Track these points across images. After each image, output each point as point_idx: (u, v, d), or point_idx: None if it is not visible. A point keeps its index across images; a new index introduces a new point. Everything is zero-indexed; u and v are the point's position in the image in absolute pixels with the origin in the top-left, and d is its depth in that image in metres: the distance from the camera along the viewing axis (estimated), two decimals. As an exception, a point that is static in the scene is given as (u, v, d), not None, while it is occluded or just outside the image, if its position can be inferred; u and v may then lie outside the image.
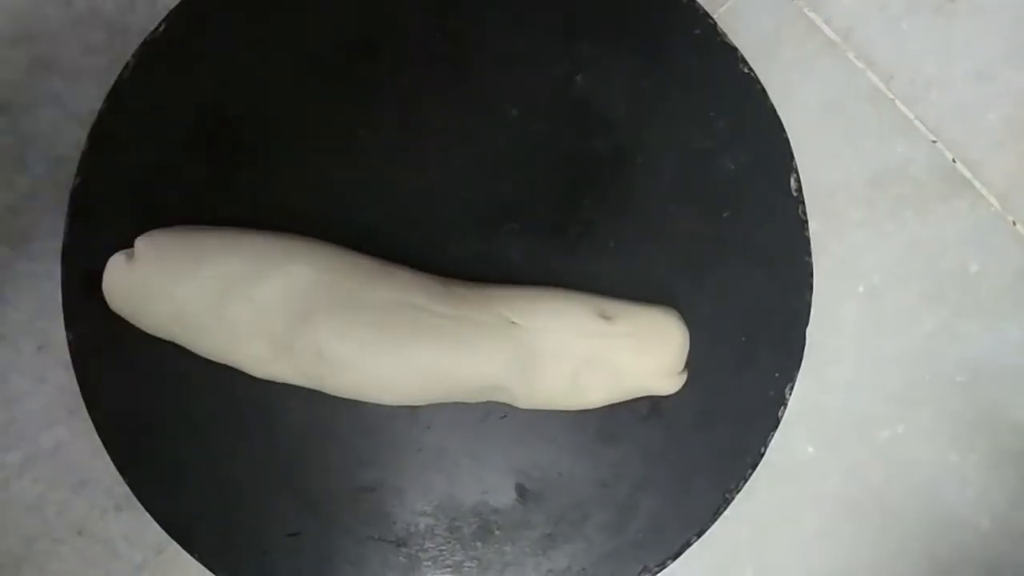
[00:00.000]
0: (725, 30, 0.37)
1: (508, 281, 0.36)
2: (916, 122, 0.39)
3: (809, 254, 0.36)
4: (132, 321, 0.34)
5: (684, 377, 0.34)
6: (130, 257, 0.33)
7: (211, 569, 0.35)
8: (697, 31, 0.37)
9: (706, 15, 0.37)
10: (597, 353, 0.33)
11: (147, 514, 0.35)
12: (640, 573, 0.35)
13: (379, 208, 0.36)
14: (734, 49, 0.37)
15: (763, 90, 0.36)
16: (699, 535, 0.36)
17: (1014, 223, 0.39)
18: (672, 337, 0.34)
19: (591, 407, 0.34)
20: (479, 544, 0.35)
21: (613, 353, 0.33)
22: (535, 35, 0.37)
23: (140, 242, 0.33)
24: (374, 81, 0.37)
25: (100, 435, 0.35)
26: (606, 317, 0.33)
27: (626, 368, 0.33)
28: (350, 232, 0.36)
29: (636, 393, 0.34)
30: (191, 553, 0.35)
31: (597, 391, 0.34)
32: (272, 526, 0.35)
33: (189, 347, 0.34)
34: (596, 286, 0.36)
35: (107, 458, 0.35)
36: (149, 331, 0.34)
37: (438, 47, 0.37)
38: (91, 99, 0.38)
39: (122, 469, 0.35)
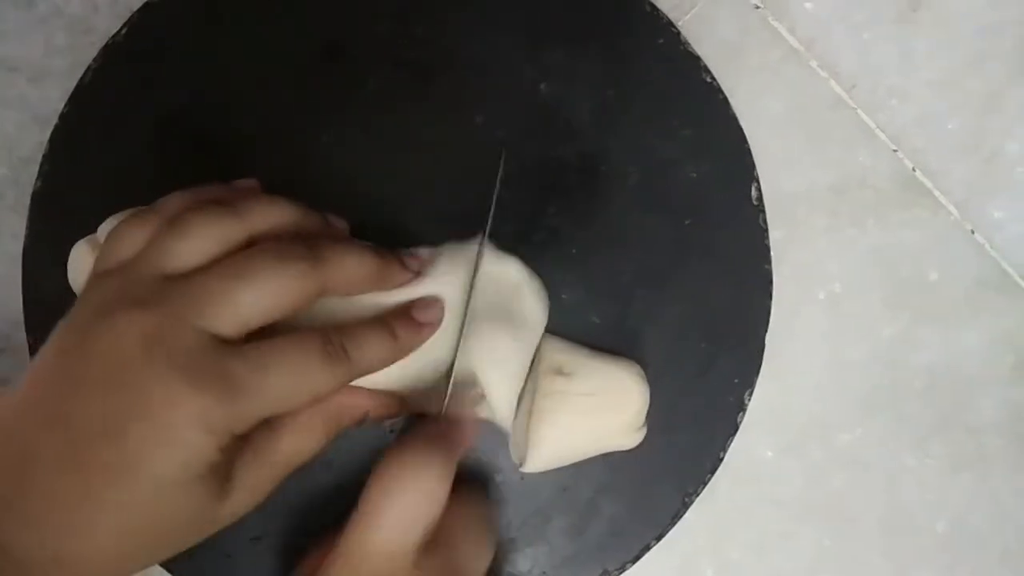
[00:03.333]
0: (689, 39, 0.37)
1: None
2: (877, 131, 0.40)
3: (769, 262, 0.37)
4: None
5: (643, 432, 0.34)
6: (94, 245, 0.32)
7: (173, 573, 0.35)
8: (661, 40, 0.37)
9: (670, 24, 0.37)
10: (554, 413, 0.33)
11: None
12: (600, 576, 0.36)
13: (342, 213, 0.36)
14: (697, 58, 0.37)
15: (726, 100, 0.37)
16: (659, 538, 0.36)
17: (972, 231, 0.40)
18: (632, 396, 0.34)
19: (542, 470, 0.34)
20: (441, 548, 0.36)
21: (570, 414, 0.33)
22: (500, 42, 0.37)
23: (103, 228, 0.32)
24: (339, 86, 0.37)
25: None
26: (564, 374, 0.33)
27: (583, 429, 0.33)
28: (314, 237, 0.36)
29: (592, 453, 0.34)
30: (153, 557, 0.35)
31: (552, 450, 0.34)
32: (235, 530, 0.35)
33: None
34: (559, 294, 0.36)
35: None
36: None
37: (403, 53, 0.37)
38: (54, 100, 0.37)
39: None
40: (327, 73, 0.37)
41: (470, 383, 0.33)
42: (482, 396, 0.33)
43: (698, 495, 0.36)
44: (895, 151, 0.40)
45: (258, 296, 0.26)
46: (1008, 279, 0.39)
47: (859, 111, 0.40)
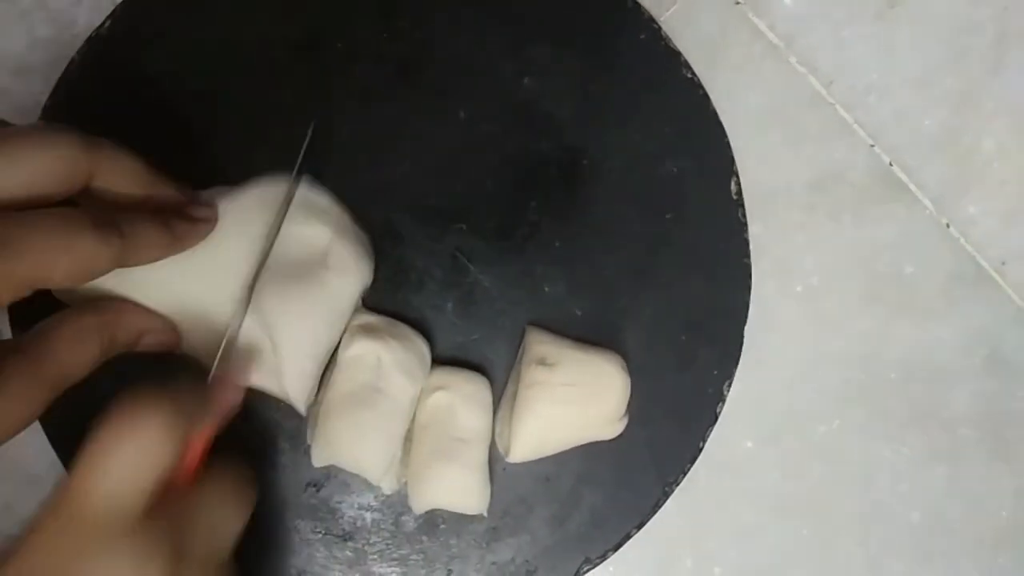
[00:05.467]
0: (670, 34, 0.38)
1: (454, 282, 0.37)
2: (855, 127, 0.40)
3: (748, 256, 0.37)
4: None
5: (624, 422, 0.35)
6: None
7: (158, 563, 0.35)
8: (642, 36, 0.37)
9: (651, 20, 0.37)
10: (537, 403, 0.33)
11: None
12: (582, 565, 0.36)
13: (326, 207, 0.37)
14: (678, 54, 0.37)
15: (706, 95, 0.37)
16: (639, 527, 0.37)
17: (948, 226, 0.40)
18: (614, 386, 0.34)
19: (526, 460, 0.35)
20: (425, 538, 0.36)
21: (552, 405, 0.33)
22: (483, 37, 0.37)
23: None
24: (322, 80, 0.37)
25: (47, 432, 0.35)
26: (546, 365, 0.34)
27: (565, 419, 0.34)
28: (297, 230, 0.36)
29: (574, 443, 0.35)
30: (138, 548, 0.35)
31: (535, 440, 0.34)
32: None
33: None
34: (541, 287, 0.37)
35: (55, 455, 0.35)
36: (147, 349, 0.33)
37: (386, 48, 0.37)
38: (37, 93, 0.37)
39: (69, 466, 0.35)
40: (310, 66, 0.37)
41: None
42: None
43: (678, 485, 0.37)
44: (872, 146, 0.40)
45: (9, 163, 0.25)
46: (983, 273, 0.40)
47: (837, 107, 0.40)
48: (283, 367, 0.32)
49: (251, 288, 0.32)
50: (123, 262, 0.28)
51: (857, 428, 0.40)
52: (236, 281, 0.32)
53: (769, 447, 0.40)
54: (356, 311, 0.35)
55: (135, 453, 0.24)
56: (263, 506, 0.36)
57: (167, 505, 0.25)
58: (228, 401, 0.29)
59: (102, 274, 0.27)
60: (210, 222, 0.32)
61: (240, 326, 0.32)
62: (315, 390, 0.34)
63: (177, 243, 0.30)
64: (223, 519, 0.28)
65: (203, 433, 0.27)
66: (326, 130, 0.36)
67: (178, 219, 0.30)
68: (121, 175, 0.29)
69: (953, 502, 0.40)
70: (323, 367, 0.34)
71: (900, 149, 0.40)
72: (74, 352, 0.28)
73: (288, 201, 0.34)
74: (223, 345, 0.31)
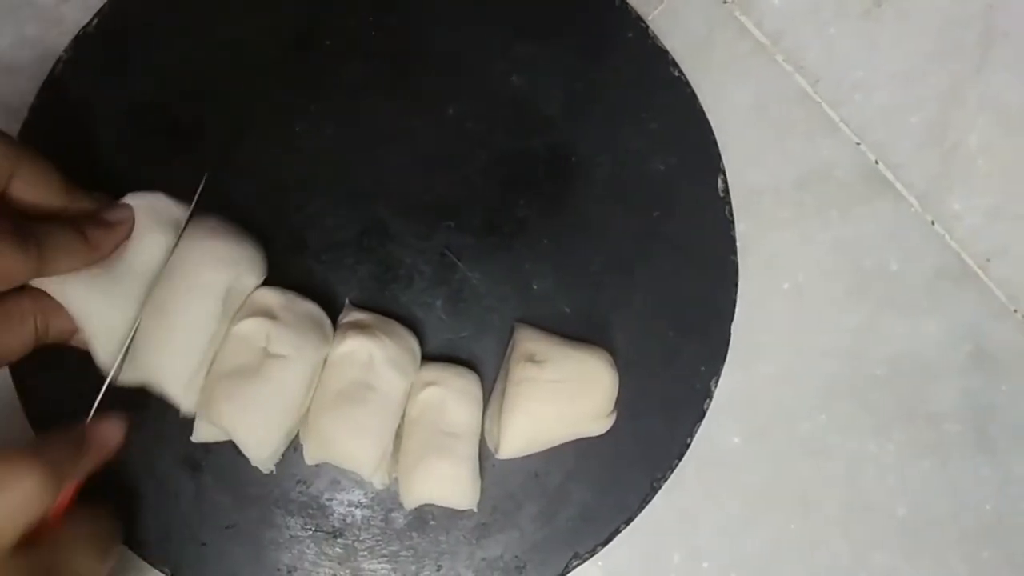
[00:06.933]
0: (657, 33, 0.38)
1: (443, 279, 0.37)
2: (841, 124, 0.40)
3: (735, 253, 0.37)
4: None
5: (613, 418, 0.35)
6: None
7: (149, 561, 0.36)
8: (630, 34, 0.38)
9: (639, 18, 0.38)
10: (526, 400, 0.33)
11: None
12: (571, 560, 0.37)
13: (315, 204, 0.37)
14: (665, 52, 0.38)
15: (693, 93, 0.38)
16: (628, 522, 0.37)
17: (933, 223, 0.41)
18: (602, 383, 0.34)
19: (515, 456, 0.35)
20: (414, 534, 0.36)
21: (541, 401, 0.34)
22: (472, 34, 0.37)
23: None
24: (312, 77, 0.37)
25: (36, 432, 0.35)
26: (535, 362, 0.34)
27: (554, 416, 0.34)
28: (285, 228, 0.36)
29: (563, 439, 0.35)
30: (128, 547, 0.35)
31: (524, 437, 0.34)
32: (209, 519, 0.36)
33: None
34: (529, 284, 0.37)
35: None
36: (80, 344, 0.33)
37: (376, 45, 0.37)
38: (24, 92, 0.37)
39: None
40: (300, 63, 0.37)
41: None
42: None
43: (666, 480, 0.37)
44: (858, 144, 0.40)
45: None
46: (967, 270, 0.41)
47: (823, 105, 0.40)
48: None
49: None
50: (41, 272, 0.29)
51: (843, 423, 0.40)
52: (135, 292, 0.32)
53: (756, 443, 0.40)
54: (346, 309, 0.36)
55: (9, 503, 0.26)
56: (254, 503, 0.36)
57: (35, 544, 0.27)
58: (104, 448, 0.31)
59: (21, 283, 0.28)
60: (125, 224, 0.32)
61: (120, 365, 0.32)
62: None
63: (94, 252, 0.31)
64: (87, 562, 0.30)
65: (75, 481, 0.29)
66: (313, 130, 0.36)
67: (94, 226, 0.31)
68: (39, 181, 0.29)
69: (938, 496, 0.40)
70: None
71: (885, 146, 0.41)
72: (11, 333, 0.29)
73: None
74: (101, 393, 0.32)
